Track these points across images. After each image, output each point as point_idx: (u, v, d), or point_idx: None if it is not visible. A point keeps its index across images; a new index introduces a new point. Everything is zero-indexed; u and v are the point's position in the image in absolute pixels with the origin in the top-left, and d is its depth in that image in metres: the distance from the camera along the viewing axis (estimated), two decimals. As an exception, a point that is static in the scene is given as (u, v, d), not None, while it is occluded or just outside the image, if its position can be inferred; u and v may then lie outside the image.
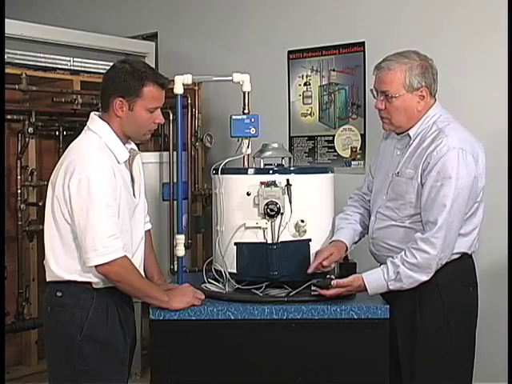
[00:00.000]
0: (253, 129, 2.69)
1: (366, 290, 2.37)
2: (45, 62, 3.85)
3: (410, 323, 2.41)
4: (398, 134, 2.52)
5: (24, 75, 3.54)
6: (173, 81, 2.73)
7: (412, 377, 2.44)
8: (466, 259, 2.44)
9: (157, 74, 2.33)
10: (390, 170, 2.51)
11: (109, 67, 2.37)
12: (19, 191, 3.61)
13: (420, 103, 2.42)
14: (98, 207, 2.17)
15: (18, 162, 3.62)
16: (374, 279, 2.37)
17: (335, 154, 3.75)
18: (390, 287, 2.34)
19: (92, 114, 2.36)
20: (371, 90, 2.52)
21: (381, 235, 2.52)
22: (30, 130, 3.55)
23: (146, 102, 2.28)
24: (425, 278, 2.32)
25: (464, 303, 2.44)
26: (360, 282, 2.37)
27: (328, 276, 2.49)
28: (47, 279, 2.31)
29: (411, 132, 2.45)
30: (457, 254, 2.40)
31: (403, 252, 2.34)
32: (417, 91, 2.40)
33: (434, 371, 2.41)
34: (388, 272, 2.34)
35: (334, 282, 2.38)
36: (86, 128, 2.35)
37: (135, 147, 2.44)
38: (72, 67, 3.96)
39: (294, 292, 2.46)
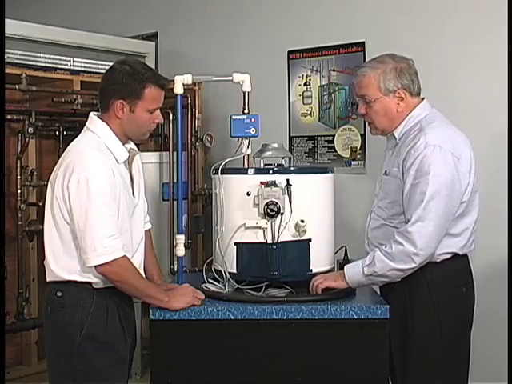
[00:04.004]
0: (253, 129, 2.68)
1: (345, 278, 2.41)
2: (45, 62, 3.86)
3: (402, 323, 2.41)
4: (386, 136, 2.56)
5: (24, 75, 3.54)
6: (173, 81, 2.73)
7: (404, 377, 2.44)
8: (458, 259, 2.43)
9: (156, 75, 2.34)
10: (383, 170, 2.55)
11: (108, 68, 2.37)
12: (19, 191, 3.61)
13: (400, 104, 2.45)
14: (98, 207, 2.17)
15: (18, 161, 3.62)
16: (353, 266, 2.42)
17: (335, 154, 3.75)
18: (365, 271, 2.36)
19: (91, 114, 2.36)
20: (354, 96, 2.59)
21: (374, 235, 2.53)
22: (30, 130, 3.55)
23: (147, 103, 2.29)
24: (398, 266, 2.32)
25: (456, 304, 2.42)
26: (340, 272, 2.45)
27: None
28: (47, 279, 2.31)
29: (396, 133, 2.48)
30: (447, 253, 2.39)
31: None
32: (394, 93, 2.44)
33: (425, 372, 2.41)
34: (366, 260, 2.38)
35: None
36: (85, 128, 2.35)
37: (135, 147, 2.44)
38: (72, 67, 3.97)
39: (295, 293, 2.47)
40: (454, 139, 2.38)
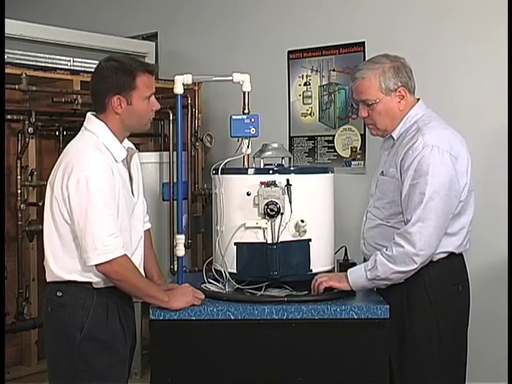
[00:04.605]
0: (253, 129, 2.68)
1: (348, 282, 2.41)
2: (45, 62, 3.86)
3: (400, 323, 2.42)
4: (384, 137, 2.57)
5: (24, 75, 3.53)
6: (173, 81, 2.74)
7: (402, 376, 2.44)
8: (454, 258, 2.44)
9: (143, 63, 2.38)
10: (379, 170, 2.56)
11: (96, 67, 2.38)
12: (19, 191, 3.60)
13: (401, 103, 2.46)
14: (97, 206, 2.17)
15: (18, 161, 3.61)
16: (356, 270, 2.43)
17: (335, 154, 3.75)
18: (368, 276, 2.37)
19: (88, 114, 2.36)
20: (353, 101, 2.58)
21: (370, 235, 2.54)
22: (30, 130, 3.55)
23: (141, 91, 2.30)
24: (400, 268, 2.33)
25: (453, 302, 2.44)
26: (344, 274, 2.44)
27: None
28: (47, 279, 2.31)
29: (394, 133, 2.49)
30: (443, 253, 2.41)
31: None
32: (395, 92, 2.45)
33: (423, 372, 2.42)
34: (368, 263, 2.39)
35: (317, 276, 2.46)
36: (82, 128, 2.36)
37: (132, 146, 2.45)
38: (72, 67, 3.96)
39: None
40: (450, 139, 2.39)
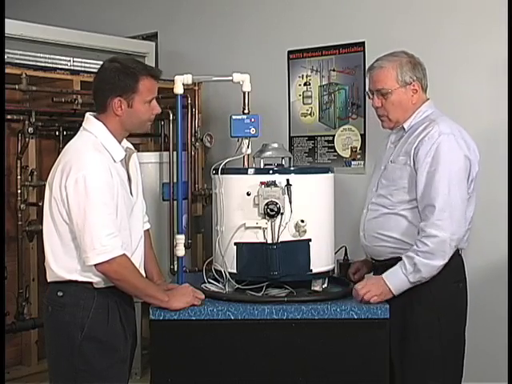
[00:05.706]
0: (253, 129, 2.69)
1: (390, 290, 2.37)
2: (45, 62, 3.86)
3: (402, 318, 2.43)
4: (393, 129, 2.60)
5: (24, 75, 3.53)
6: (173, 81, 2.73)
7: (402, 372, 2.46)
8: (454, 255, 2.45)
9: (147, 67, 2.38)
10: (384, 162, 2.58)
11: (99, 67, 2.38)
12: (19, 191, 3.60)
13: (414, 97, 2.53)
14: (96, 206, 2.18)
15: (18, 161, 3.61)
16: (395, 276, 2.39)
17: (335, 154, 3.75)
18: (411, 280, 2.36)
19: (87, 114, 2.37)
20: (367, 93, 2.66)
21: (372, 226, 2.55)
22: (30, 130, 3.55)
23: (143, 95, 2.30)
24: (441, 262, 2.35)
25: (453, 299, 2.47)
26: (381, 282, 2.39)
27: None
28: (48, 279, 2.31)
29: (405, 124, 2.54)
30: None
31: (414, 244, 2.37)
32: (409, 85, 2.51)
33: (424, 367, 2.43)
34: (405, 266, 2.36)
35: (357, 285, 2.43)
36: (81, 128, 2.36)
37: (131, 146, 2.45)
38: (72, 67, 3.96)
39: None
40: (461, 131, 2.46)
